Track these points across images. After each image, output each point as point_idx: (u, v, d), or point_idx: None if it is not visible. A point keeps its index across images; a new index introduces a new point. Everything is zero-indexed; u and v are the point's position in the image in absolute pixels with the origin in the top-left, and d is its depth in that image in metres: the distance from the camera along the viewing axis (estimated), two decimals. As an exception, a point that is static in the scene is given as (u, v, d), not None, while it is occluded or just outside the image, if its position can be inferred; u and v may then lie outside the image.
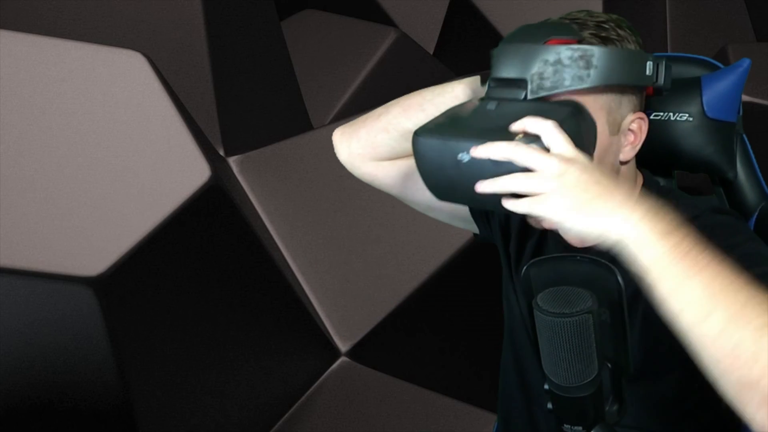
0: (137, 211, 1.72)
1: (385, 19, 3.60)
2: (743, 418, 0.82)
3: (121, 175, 1.76)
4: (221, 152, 2.32)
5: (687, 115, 1.25)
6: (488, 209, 1.01)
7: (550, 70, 1.03)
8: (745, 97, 2.52)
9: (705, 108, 1.24)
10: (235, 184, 2.23)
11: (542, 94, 1.02)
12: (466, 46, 3.48)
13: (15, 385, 1.74)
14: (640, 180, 1.18)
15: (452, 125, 1.02)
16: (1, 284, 1.64)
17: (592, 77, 1.03)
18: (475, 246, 2.11)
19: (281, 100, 2.74)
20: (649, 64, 1.07)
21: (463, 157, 0.96)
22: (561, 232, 1.16)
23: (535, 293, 0.94)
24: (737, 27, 3.50)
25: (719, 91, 1.25)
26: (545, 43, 1.04)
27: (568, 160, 0.91)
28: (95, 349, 1.71)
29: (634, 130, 1.11)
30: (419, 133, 1.01)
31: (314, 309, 2.21)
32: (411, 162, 1.28)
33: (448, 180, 1.00)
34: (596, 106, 1.06)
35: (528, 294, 0.97)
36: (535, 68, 1.03)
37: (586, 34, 1.07)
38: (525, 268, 0.98)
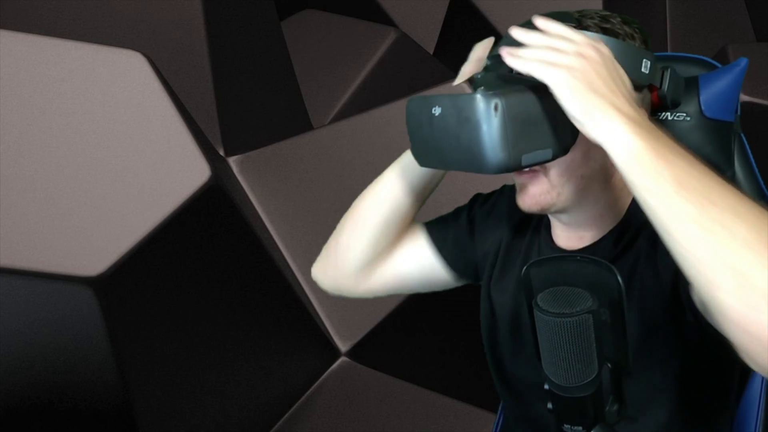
0: (137, 211, 1.72)
1: (385, 19, 3.60)
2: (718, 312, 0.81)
3: (121, 175, 1.76)
4: (221, 152, 2.32)
5: (684, 114, 1.26)
6: (454, 169, 1.06)
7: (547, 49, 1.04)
8: (744, 97, 2.52)
9: (702, 107, 1.24)
10: (235, 184, 2.23)
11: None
12: (466, 46, 3.47)
13: (15, 385, 1.74)
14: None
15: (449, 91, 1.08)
16: (1, 284, 1.64)
17: None
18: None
19: (281, 100, 2.74)
20: (646, 62, 1.07)
21: (435, 110, 1.03)
22: (553, 218, 1.17)
23: (535, 293, 0.94)
24: (737, 27, 3.50)
25: (717, 90, 1.26)
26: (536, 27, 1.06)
27: (595, 47, 0.95)
28: (95, 349, 1.71)
29: None
30: (411, 98, 1.08)
31: (314, 309, 2.21)
32: (401, 253, 1.36)
33: (424, 139, 1.06)
34: None
35: (528, 294, 0.97)
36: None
37: (587, 22, 1.08)
38: (525, 268, 0.98)
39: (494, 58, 1.11)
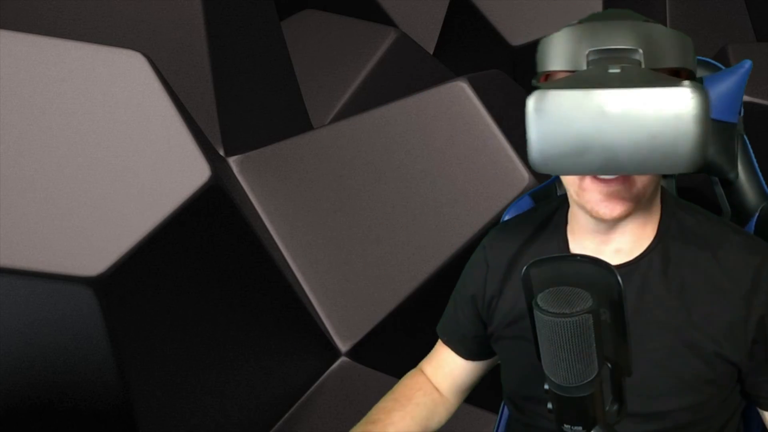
0: (137, 211, 1.72)
1: (385, 19, 3.60)
2: None
3: (121, 175, 1.76)
4: (221, 152, 2.32)
5: None
6: (624, 172, 0.96)
7: (656, 44, 1.03)
8: (744, 97, 2.52)
9: None
10: (235, 184, 2.23)
11: (654, 66, 1.02)
12: (466, 46, 3.48)
13: (15, 385, 1.74)
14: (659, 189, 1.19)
15: (582, 82, 0.97)
16: (1, 284, 1.64)
17: (682, 59, 1.04)
18: (475, 246, 2.11)
19: (281, 100, 2.74)
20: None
21: (611, 107, 0.91)
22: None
23: (535, 293, 0.94)
24: (737, 27, 3.50)
25: (721, 92, 1.26)
26: (646, 20, 1.06)
27: None
28: (95, 349, 1.71)
29: None
30: (545, 88, 0.94)
31: (314, 309, 2.21)
32: (452, 384, 1.39)
33: (583, 142, 0.93)
34: None
35: (528, 294, 0.97)
36: (645, 41, 1.02)
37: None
38: (525, 268, 0.97)
39: (607, 52, 1.03)
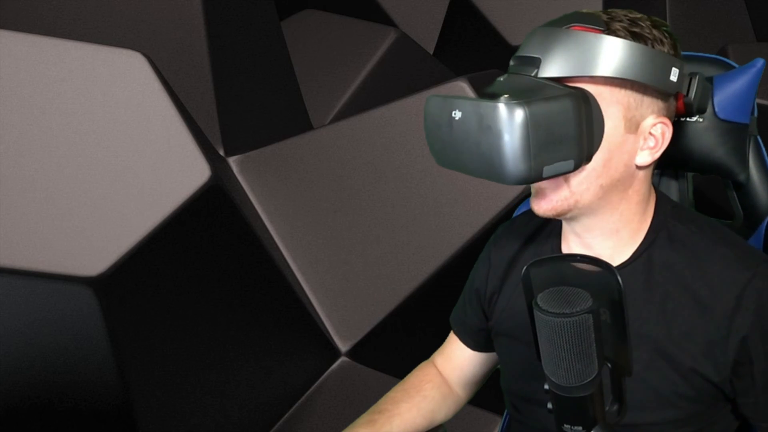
0: (137, 211, 1.72)
1: (385, 19, 3.60)
2: None
3: (121, 175, 1.76)
4: (221, 152, 2.32)
5: (698, 115, 1.23)
6: (472, 175, 1.05)
7: (564, 53, 1.04)
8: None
9: (716, 109, 1.22)
10: (235, 184, 2.23)
11: (551, 74, 1.04)
12: (466, 46, 3.48)
13: (15, 385, 1.74)
14: (653, 198, 1.17)
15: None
16: (1, 284, 1.64)
17: (605, 68, 1.04)
18: (475, 246, 2.11)
19: (281, 100, 2.74)
20: (675, 71, 1.07)
21: (456, 114, 1.02)
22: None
23: (535, 293, 0.94)
24: (737, 27, 3.50)
25: (731, 92, 1.23)
26: (568, 27, 1.06)
27: None
28: (95, 349, 1.71)
29: (656, 135, 1.09)
30: (430, 97, 1.07)
31: (314, 309, 2.21)
32: (461, 376, 1.40)
33: (442, 141, 1.05)
34: (612, 98, 1.06)
35: (528, 294, 0.97)
36: (550, 50, 1.05)
37: (616, 26, 1.07)
38: (525, 268, 0.97)
39: (518, 60, 1.09)
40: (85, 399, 1.78)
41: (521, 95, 1.00)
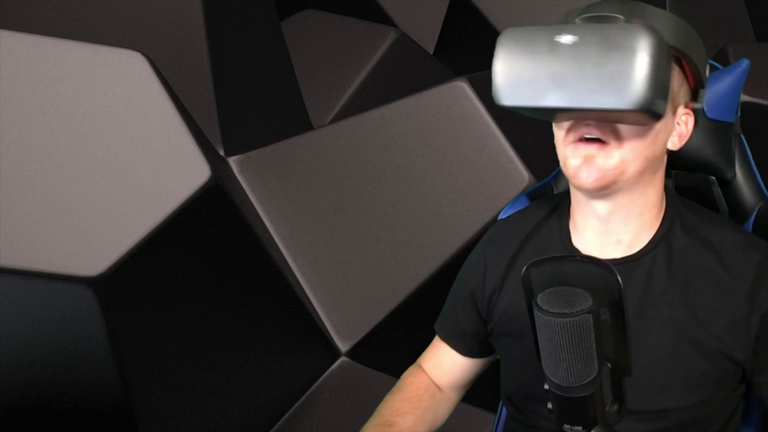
0: (137, 211, 1.72)
1: (385, 19, 3.60)
2: None
3: (121, 175, 1.76)
4: (221, 152, 2.32)
5: None
6: (574, 105, 1.00)
7: (637, 17, 1.04)
8: (744, 97, 2.52)
9: (705, 108, 1.24)
10: (235, 184, 2.23)
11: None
12: (466, 46, 3.48)
13: (15, 385, 1.74)
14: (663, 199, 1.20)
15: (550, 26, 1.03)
16: (1, 284, 1.64)
17: (677, 40, 1.05)
18: (475, 246, 2.11)
19: (281, 100, 2.74)
20: (708, 66, 1.12)
21: (565, 38, 0.97)
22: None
23: (536, 293, 0.94)
24: (737, 27, 3.50)
25: (718, 91, 1.26)
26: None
27: None
28: (95, 349, 1.71)
29: (682, 124, 1.15)
30: (508, 29, 1.02)
31: (314, 309, 2.21)
32: (456, 380, 1.39)
33: (531, 71, 0.99)
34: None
35: (528, 294, 0.97)
36: (630, 13, 1.04)
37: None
38: (525, 268, 0.97)
39: (591, 19, 1.06)
40: (85, 399, 1.78)
41: (643, 20, 1.02)
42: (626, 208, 1.15)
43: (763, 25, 3.49)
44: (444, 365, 1.38)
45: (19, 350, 1.71)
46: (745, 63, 1.26)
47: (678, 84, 1.11)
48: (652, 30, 0.97)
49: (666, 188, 1.20)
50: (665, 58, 0.99)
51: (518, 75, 1.02)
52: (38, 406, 1.77)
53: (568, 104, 1.00)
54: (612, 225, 1.16)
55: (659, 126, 1.09)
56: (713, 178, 1.31)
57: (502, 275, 1.27)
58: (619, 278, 0.92)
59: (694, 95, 1.17)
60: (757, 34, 3.51)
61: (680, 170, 1.31)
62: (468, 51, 3.45)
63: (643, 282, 1.15)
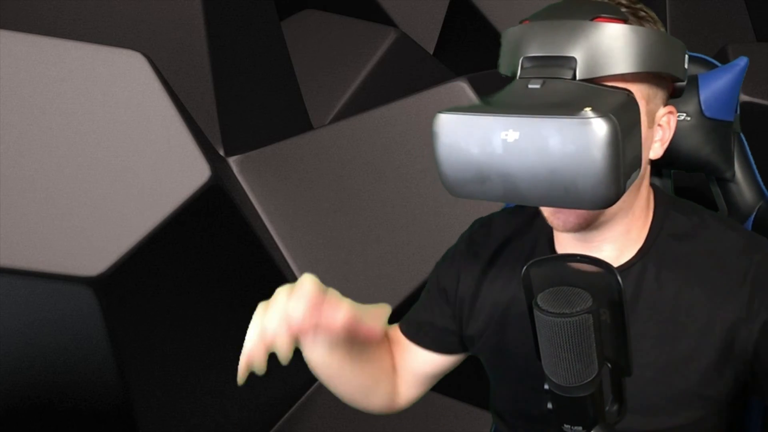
0: (137, 211, 1.72)
1: (385, 19, 3.60)
2: None
3: (121, 175, 1.76)
4: (221, 152, 2.32)
5: (685, 114, 1.24)
6: (531, 204, 0.89)
7: (600, 49, 0.93)
8: (744, 97, 2.52)
9: (702, 107, 1.23)
10: (235, 184, 2.23)
11: (594, 75, 0.94)
12: (466, 46, 3.48)
13: (15, 385, 1.74)
14: (651, 192, 1.13)
15: (490, 104, 0.91)
16: (1, 284, 1.64)
17: (641, 62, 0.94)
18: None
19: (281, 100, 2.74)
20: (686, 58, 1.00)
21: (508, 135, 0.85)
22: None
23: (535, 293, 0.94)
24: (737, 27, 3.50)
25: (716, 89, 1.25)
26: (592, 19, 0.95)
27: None
28: (95, 349, 1.71)
29: (664, 125, 1.05)
30: (446, 112, 0.90)
31: (314, 309, 2.21)
32: (408, 370, 1.28)
33: (477, 166, 0.88)
34: (639, 94, 0.99)
35: (528, 294, 0.97)
36: (584, 46, 0.93)
37: (626, 13, 0.99)
38: (525, 268, 0.97)
39: (542, 60, 0.93)
40: (85, 399, 1.78)
41: (594, 105, 0.86)
42: (612, 230, 1.09)
43: (763, 25, 3.49)
44: (408, 360, 1.29)
45: (19, 350, 1.71)
46: (743, 61, 1.25)
47: (652, 93, 1.01)
48: (608, 120, 0.84)
49: (655, 193, 1.13)
50: (632, 139, 0.88)
51: (464, 169, 0.90)
52: (38, 406, 1.77)
53: (521, 202, 0.91)
54: (594, 244, 1.10)
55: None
56: (713, 177, 1.30)
57: (479, 276, 1.22)
58: (619, 278, 0.92)
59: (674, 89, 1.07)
60: (757, 34, 3.51)
61: (678, 170, 1.31)
62: (468, 51, 3.45)
63: (630, 295, 1.09)
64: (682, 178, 1.33)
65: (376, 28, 3.33)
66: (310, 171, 2.28)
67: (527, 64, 0.95)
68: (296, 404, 2.21)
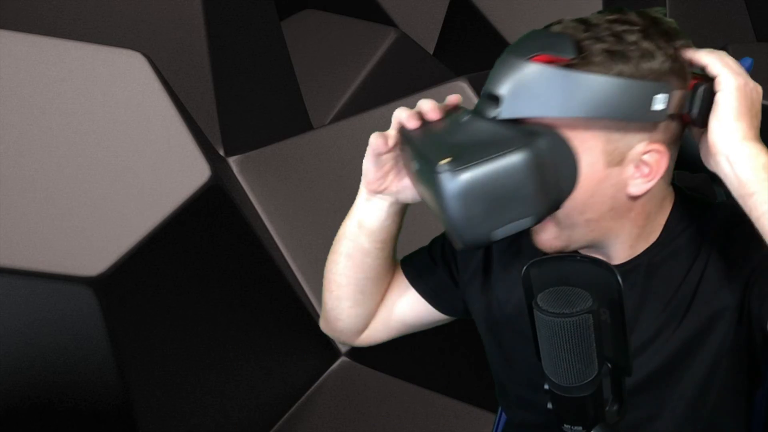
0: (137, 211, 1.72)
1: (385, 19, 3.60)
2: None
3: (121, 175, 1.76)
4: (221, 152, 2.32)
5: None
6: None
7: (526, 92, 0.94)
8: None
9: None
10: (235, 184, 2.23)
11: (515, 115, 0.95)
12: (466, 46, 3.48)
13: (15, 385, 1.74)
14: (668, 204, 1.10)
15: (425, 137, 1.00)
16: (1, 284, 1.64)
17: (574, 107, 0.93)
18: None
19: (281, 100, 2.74)
20: (659, 98, 0.94)
21: (414, 164, 0.96)
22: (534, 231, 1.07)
23: (535, 293, 0.94)
24: (737, 27, 3.50)
25: None
26: (530, 58, 0.95)
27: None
28: (95, 349, 1.71)
29: (649, 162, 1.00)
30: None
31: (314, 309, 2.21)
32: (393, 301, 1.27)
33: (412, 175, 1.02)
34: (588, 133, 0.96)
35: (528, 294, 0.97)
36: (511, 86, 0.95)
37: (593, 48, 0.95)
38: (525, 268, 0.97)
39: (484, 95, 0.97)
40: (85, 399, 1.78)
41: (467, 153, 0.90)
42: (609, 246, 1.07)
43: (763, 25, 3.49)
44: (393, 297, 1.27)
45: (19, 350, 1.71)
46: (747, 62, 1.24)
47: (618, 132, 0.97)
48: (455, 175, 0.89)
49: (681, 203, 1.11)
50: (494, 188, 0.91)
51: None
52: (38, 406, 1.77)
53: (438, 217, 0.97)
54: (602, 251, 1.09)
55: (586, 193, 0.99)
56: (716, 177, 1.29)
57: (474, 281, 1.22)
58: (619, 278, 0.92)
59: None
60: (757, 34, 3.51)
61: (682, 170, 1.31)
62: (468, 51, 3.44)
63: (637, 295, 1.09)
64: (684, 179, 1.33)
65: (376, 28, 3.33)
66: (310, 171, 2.27)
67: (482, 96, 0.99)
68: (296, 404, 2.21)
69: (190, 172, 1.79)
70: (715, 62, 0.98)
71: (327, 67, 3.20)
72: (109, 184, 1.74)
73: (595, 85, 0.93)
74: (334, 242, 1.24)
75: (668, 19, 1.02)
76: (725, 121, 0.95)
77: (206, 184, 1.79)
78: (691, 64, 1.00)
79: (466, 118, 0.99)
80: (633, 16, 0.99)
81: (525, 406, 1.23)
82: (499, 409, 1.45)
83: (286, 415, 2.18)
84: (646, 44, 0.96)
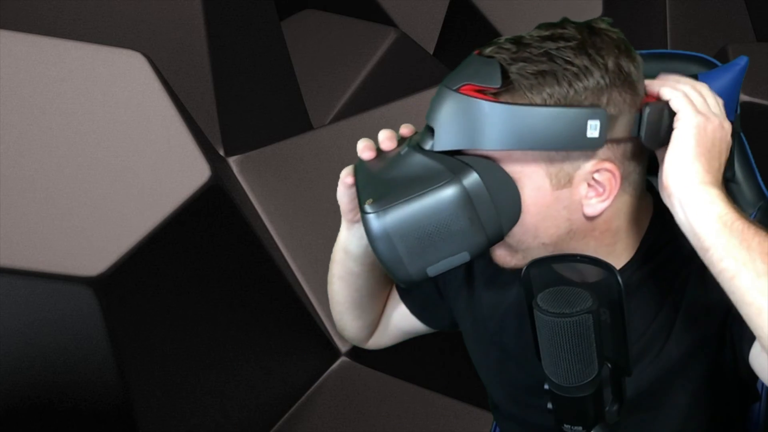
0: (137, 211, 1.72)
1: (385, 19, 3.60)
2: None
3: (121, 175, 1.76)
4: (221, 152, 2.32)
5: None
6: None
7: (454, 122, 0.92)
8: (744, 97, 2.52)
9: None
10: (235, 184, 2.23)
11: (448, 147, 0.93)
12: (466, 46, 3.47)
13: (15, 385, 1.74)
14: (645, 218, 1.05)
15: (367, 172, 1.04)
16: (1, 284, 1.64)
17: (504, 140, 0.90)
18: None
19: (281, 100, 2.74)
20: (593, 124, 0.89)
21: (366, 207, 0.93)
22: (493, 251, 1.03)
23: (535, 293, 0.94)
24: (737, 27, 3.50)
25: (716, 89, 1.23)
26: (457, 89, 0.92)
27: (724, 124, 0.94)
28: (95, 349, 1.71)
29: (601, 181, 0.94)
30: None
31: (314, 309, 2.21)
32: (393, 312, 1.29)
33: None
34: (527, 158, 0.92)
35: (528, 294, 0.97)
36: (441, 118, 0.93)
37: (523, 71, 0.90)
38: (525, 268, 0.97)
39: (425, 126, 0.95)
40: (85, 399, 1.78)
41: (393, 192, 0.90)
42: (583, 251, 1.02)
43: (763, 25, 3.49)
44: (392, 305, 1.30)
45: (19, 350, 1.71)
46: (743, 60, 1.23)
47: (560, 154, 0.92)
48: (377, 217, 0.89)
49: (658, 215, 1.04)
50: (419, 227, 0.89)
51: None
52: (38, 406, 1.77)
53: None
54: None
55: (536, 218, 0.95)
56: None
57: (467, 285, 1.21)
58: (619, 278, 0.92)
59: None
60: (757, 34, 3.51)
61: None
62: (468, 51, 3.43)
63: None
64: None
65: (376, 28, 3.33)
66: (310, 171, 2.27)
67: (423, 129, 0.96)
68: (296, 404, 2.21)
69: (190, 172, 1.79)
70: (677, 96, 0.91)
71: (327, 67, 3.21)
72: (109, 184, 1.74)
73: (521, 116, 0.89)
74: (329, 263, 1.26)
75: (612, 29, 0.95)
76: (679, 161, 0.89)
77: (206, 184, 1.79)
78: (651, 94, 0.95)
79: (404, 150, 0.97)
80: (569, 30, 0.93)
81: (515, 419, 1.22)
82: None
83: (286, 415, 2.18)
84: (580, 60, 0.91)
